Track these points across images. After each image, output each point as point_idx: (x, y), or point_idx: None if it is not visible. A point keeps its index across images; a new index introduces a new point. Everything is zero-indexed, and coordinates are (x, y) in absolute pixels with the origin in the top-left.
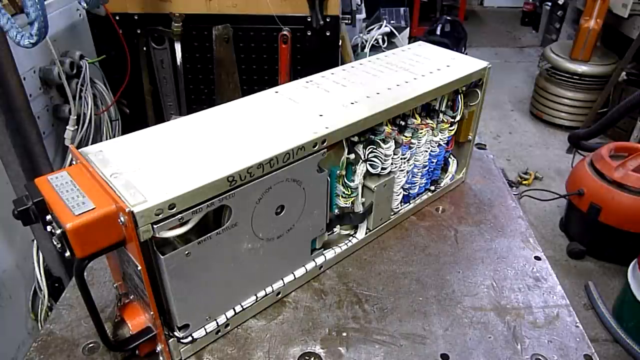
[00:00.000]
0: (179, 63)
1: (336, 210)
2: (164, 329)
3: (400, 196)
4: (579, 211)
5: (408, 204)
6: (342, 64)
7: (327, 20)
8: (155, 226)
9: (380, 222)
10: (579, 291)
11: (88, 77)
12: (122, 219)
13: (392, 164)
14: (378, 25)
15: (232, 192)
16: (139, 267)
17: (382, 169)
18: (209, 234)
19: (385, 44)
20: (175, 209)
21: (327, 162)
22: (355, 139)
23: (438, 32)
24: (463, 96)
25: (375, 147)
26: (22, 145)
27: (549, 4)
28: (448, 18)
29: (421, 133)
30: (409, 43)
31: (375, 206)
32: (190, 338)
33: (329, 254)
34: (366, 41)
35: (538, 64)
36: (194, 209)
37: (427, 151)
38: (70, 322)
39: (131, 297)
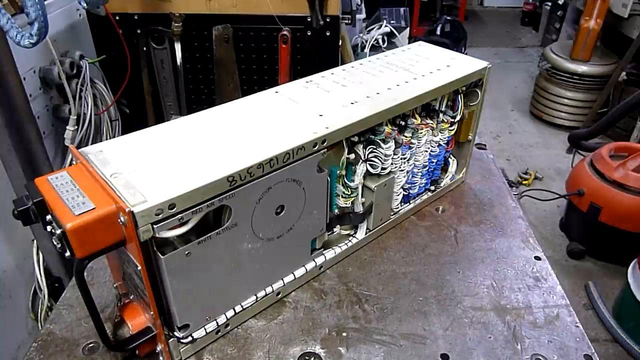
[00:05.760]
0: (179, 63)
1: (336, 210)
2: (164, 329)
3: (400, 196)
4: (579, 211)
5: (408, 204)
6: (342, 64)
7: (327, 20)
8: (155, 226)
9: (380, 222)
10: (579, 291)
11: (88, 77)
12: (122, 219)
13: (392, 164)
14: (378, 25)
15: (232, 192)
16: (139, 267)
17: (382, 169)
18: (209, 234)
19: (385, 44)
20: (175, 209)
21: (327, 162)
22: (355, 139)
23: (438, 32)
24: (463, 96)
25: (375, 147)
26: (22, 145)
27: (549, 4)
28: (448, 18)
29: (421, 133)
30: (409, 43)
31: (375, 206)
32: (190, 338)
33: (329, 254)
34: (366, 41)
35: (538, 64)
36: (194, 209)
37: (427, 151)
38: (70, 322)
39: (131, 297)
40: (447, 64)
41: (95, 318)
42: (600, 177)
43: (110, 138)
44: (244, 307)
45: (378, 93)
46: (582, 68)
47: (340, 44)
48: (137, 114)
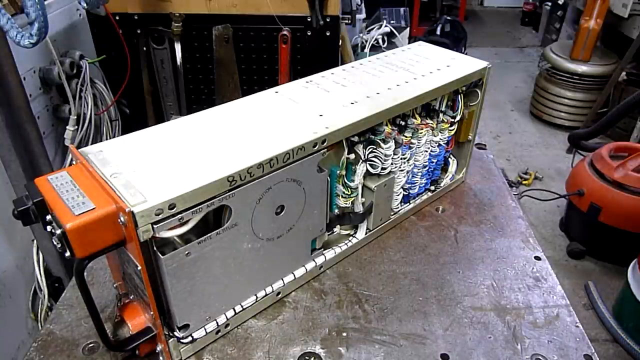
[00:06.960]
0: (179, 63)
1: (336, 210)
2: (164, 329)
3: (400, 196)
4: (579, 211)
5: (408, 204)
6: (342, 64)
7: (327, 20)
8: (155, 226)
9: (380, 222)
10: (579, 291)
11: (88, 77)
12: (122, 219)
13: (392, 164)
14: (378, 25)
15: (232, 192)
16: (139, 267)
17: (382, 169)
18: (209, 234)
19: (385, 44)
20: (175, 209)
21: (327, 162)
22: (355, 139)
23: (438, 32)
24: (463, 96)
25: (375, 147)
26: (22, 145)
27: (549, 4)
28: (448, 18)
29: (421, 133)
30: (409, 43)
31: (375, 206)
32: (190, 338)
33: (329, 254)
34: (366, 41)
35: (538, 64)
36: (194, 209)
37: (427, 151)
38: (70, 322)
39: (131, 297)
40: (447, 64)
41: (95, 318)
42: (600, 177)
43: (110, 138)
44: (244, 307)
45: (378, 93)
46: (582, 68)
47: (340, 44)
48: (137, 114)
